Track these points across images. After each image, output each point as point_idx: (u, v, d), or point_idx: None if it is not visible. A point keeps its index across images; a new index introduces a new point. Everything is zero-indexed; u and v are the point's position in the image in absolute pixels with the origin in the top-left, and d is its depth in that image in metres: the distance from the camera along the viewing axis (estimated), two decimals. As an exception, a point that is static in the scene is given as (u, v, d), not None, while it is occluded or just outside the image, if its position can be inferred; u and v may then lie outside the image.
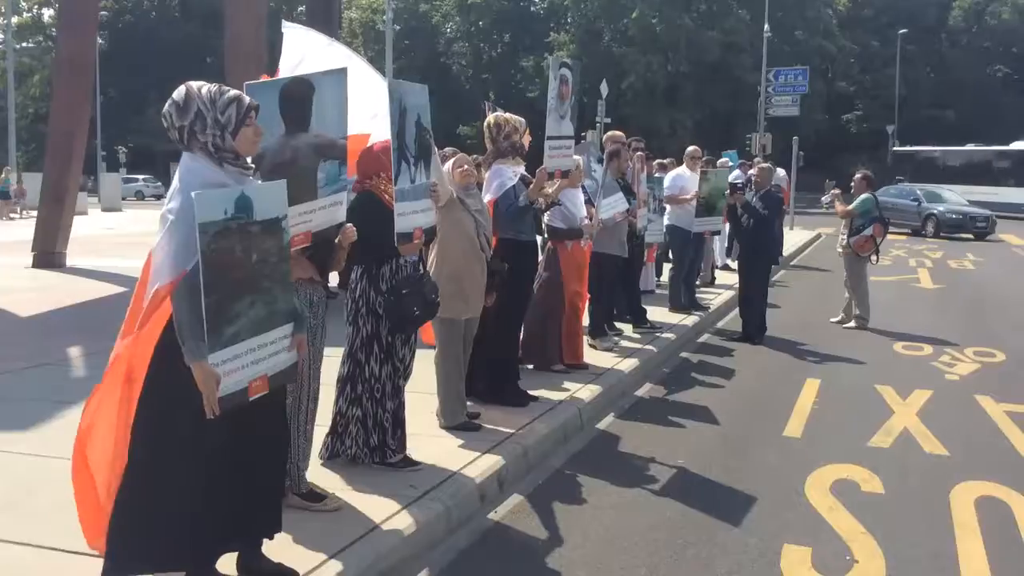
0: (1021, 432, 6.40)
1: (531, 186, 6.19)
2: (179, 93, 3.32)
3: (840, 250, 10.87)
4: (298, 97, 3.74)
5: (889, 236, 11.13)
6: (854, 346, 9.50)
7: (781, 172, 18.78)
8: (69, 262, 14.39)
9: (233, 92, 3.36)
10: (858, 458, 5.77)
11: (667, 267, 11.74)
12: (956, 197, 28.61)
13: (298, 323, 3.54)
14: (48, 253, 14.22)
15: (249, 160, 3.44)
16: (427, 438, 5.37)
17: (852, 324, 10.60)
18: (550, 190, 6.32)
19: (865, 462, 5.67)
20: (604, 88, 33.65)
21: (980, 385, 7.80)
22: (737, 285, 12.85)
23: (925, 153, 42.01)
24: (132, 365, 3.39)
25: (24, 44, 60.35)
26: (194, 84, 3.35)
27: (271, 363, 3.40)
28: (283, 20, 5.39)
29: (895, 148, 42.54)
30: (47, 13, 59.62)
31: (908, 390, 7.53)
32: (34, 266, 14.12)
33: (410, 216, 4.61)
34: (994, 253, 20.69)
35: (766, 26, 40.99)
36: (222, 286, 3.12)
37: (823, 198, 10.99)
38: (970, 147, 41.75)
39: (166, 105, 3.33)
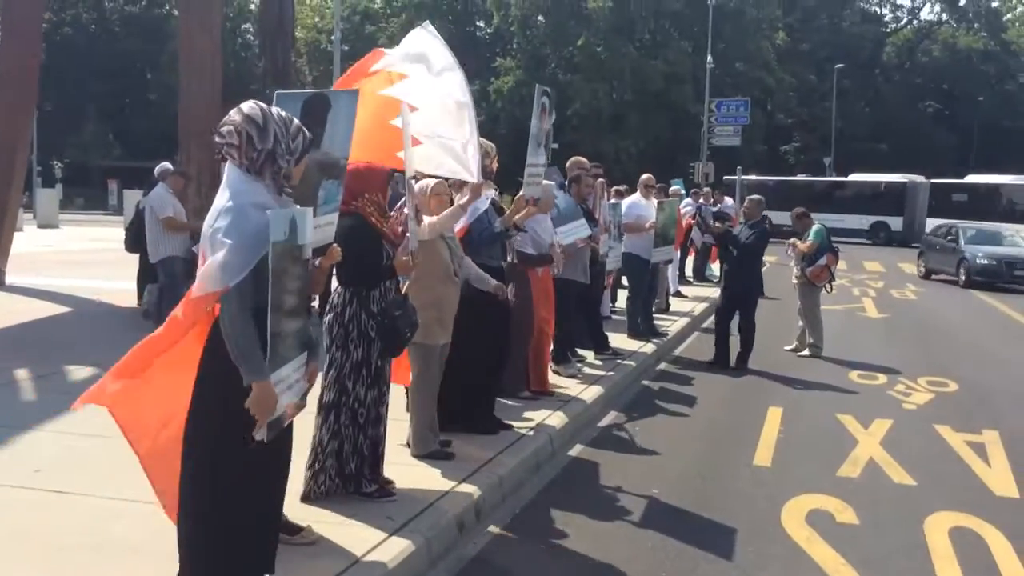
0: (983, 463, 6.49)
1: (508, 212, 6.17)
2: (255, 113, 3.27)
3: (795, 281, 11.00)
4: (317, 112, 3.65)
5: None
6: (810, 374, 9.60)
7: (729, 201, 19.11)
8: (7, 280, 13.88)
9: (297, 121, 3.37)
10: (829, 488, 5.79)
11: (622, 293, 11.80)
12: (1016, 238, 21.98)
13: (312, 352, 3.48)
14: (-13, 271, 13.71)
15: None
16: (399, 467, 5.23)
17: (806, 352, 10.72)
18: (516, 216, 6.27)
19: (837, 492, 5.70)
20: (553, 114, 33.83)
21: (937, 415, 7.92)
22: (692, 311, 13.03)
23: (758, 182, 42.50)
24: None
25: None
26: (265, 106, 3.33)
27: (297, 390, 3.42)
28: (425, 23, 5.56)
29: (725, 177, 43.26)
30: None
31: (869, 419, 7.61)
32: (-28, 284, 13.61)
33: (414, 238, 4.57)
34: (933, 284, 21.18)
35: (709, 57, 41.76)
36: (280, 306, 3.18)
37: (788, 251, 11.04)
38: (801, 177, 44.09)
39: (238, 122, 3.25)
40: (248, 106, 3.31)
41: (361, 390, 4.66)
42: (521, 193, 6.16)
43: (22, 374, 7.66)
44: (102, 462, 5.29)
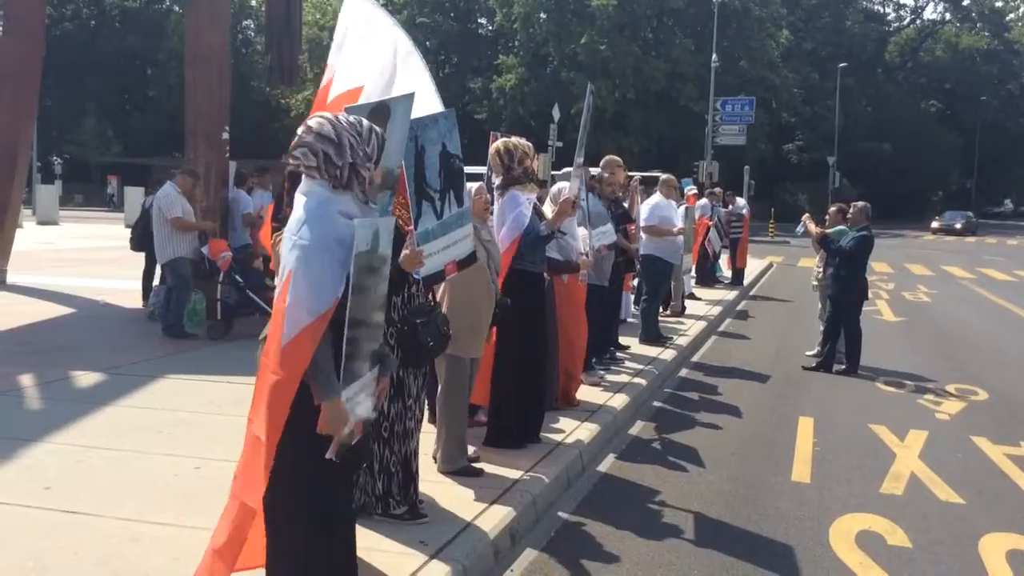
0: (1030, 478, 6.24)
1: (555, 214, 5.97)
2: (326, 129, 3.07)
3: (815, 283, 10.76)
4: (380, 125, 3.39)
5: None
6: (835, 381, 9.36)
7: (742, 201, 18.83)
8: (9, 279, 13.61)
9: (368, 121, 3.17)
10: (874, 507, 5.53)
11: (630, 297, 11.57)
12: None
13: (383, 366, 3.30)
14: (-12, 270, 13.44)
15: None
16: (426, 483, 4.96)
17: (829, 358, 10.46)
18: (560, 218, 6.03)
19: (883, 511, 5.44)
20: (556, 112, 33.59)
21: (972, 426, 7.66)
22: (708, 314, 12.77)
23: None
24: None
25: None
26: (334, 116, 3.12)
27: (366, 407, 3.25)
28: None
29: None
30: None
31: (903, 430, 7.36)
32: (-28, 283, 13.35)
33: (439, 255, 4.28)
34: (943, 285, 20.92)
35: (714, 56, 41.45)
36: (361, 321, 3.07)
37: (797, 228, 10.73)
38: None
39: (311, 142, 3.07)
40: (316, 122, 3.12)
41: (384, 402, 4.41)
42: (568, 193, 5.96)
43: (27, 380, 7.38)
44: (114, 478, 5.04)
